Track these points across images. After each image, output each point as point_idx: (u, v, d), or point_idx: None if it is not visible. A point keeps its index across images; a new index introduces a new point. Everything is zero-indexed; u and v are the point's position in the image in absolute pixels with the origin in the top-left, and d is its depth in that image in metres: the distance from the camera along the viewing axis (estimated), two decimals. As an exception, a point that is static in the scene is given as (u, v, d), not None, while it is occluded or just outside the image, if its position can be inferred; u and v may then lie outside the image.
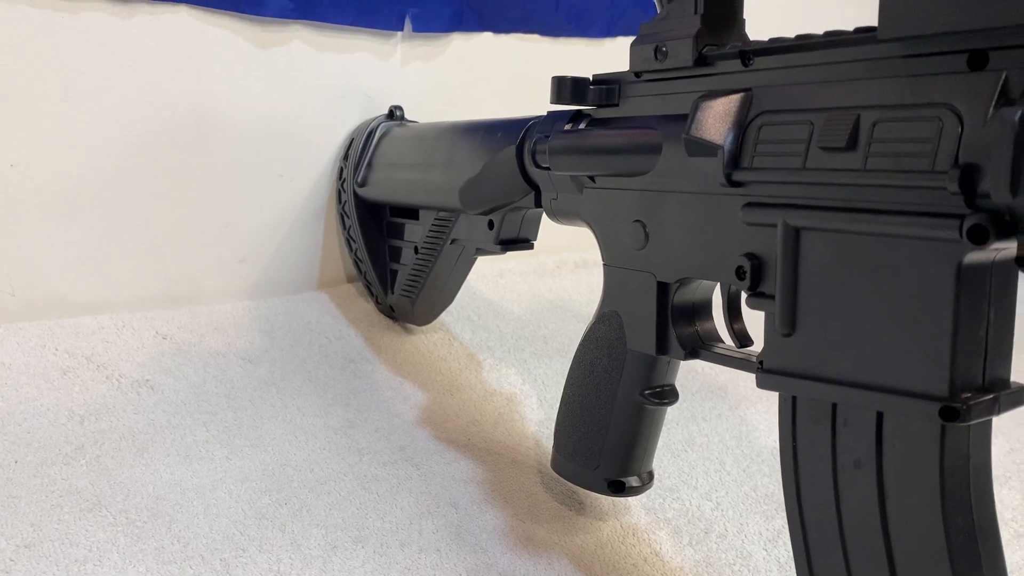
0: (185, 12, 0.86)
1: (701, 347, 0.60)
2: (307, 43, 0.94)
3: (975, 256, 0.41)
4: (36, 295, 0.87)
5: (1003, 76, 0.39)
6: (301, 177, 0.99)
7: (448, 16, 1.02)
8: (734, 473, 0.79)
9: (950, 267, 0.42)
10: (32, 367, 0.81)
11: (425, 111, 1.02)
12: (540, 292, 1.16)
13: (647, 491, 0.69)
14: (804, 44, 0.49)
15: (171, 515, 0.64)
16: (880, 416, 0.46)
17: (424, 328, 0.99)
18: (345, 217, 0.99)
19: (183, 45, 0.87)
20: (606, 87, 0.63)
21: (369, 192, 0.95)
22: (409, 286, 0.92)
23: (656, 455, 0.82)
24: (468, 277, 0.96)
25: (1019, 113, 0.37)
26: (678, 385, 0.66)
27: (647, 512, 0.73)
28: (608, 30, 1.14)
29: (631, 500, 0.74)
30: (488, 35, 1.07)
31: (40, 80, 0.82)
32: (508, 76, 1.09)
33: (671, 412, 0.89)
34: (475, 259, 0.87)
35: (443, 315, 1.00)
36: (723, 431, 0.86)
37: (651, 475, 0.68)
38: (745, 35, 0.57)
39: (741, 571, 0.66)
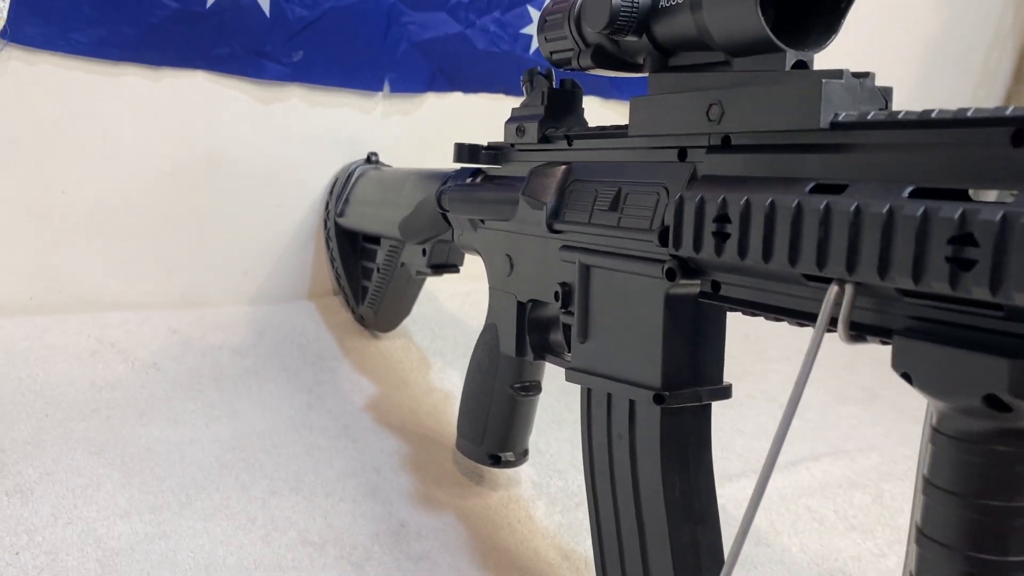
0: (202, 76, 1.08)
1: (548, 351, 0.79)
2: (302, 100, 1.16)
3: (677, 289, 0.59)
4: (78, 293, 1.09)
5: (694, 167, 0.58)
6: (295, 207, 1.20)
7: (423, 79, 1.22)
8: (619, 464, 0.97)
9: (660, 296, 0.59)
10: (70, 348, 1.03)
11: (403, 157, 1.23)
12: (502, 310, 1.35)
13: (523, 464, 0.87)
14: (600, 133, 0.68)
15: (155, 461, 0.85)
16: (632, 402, 0.64)
17: (390, 334, 1.19)
18: (329, 241, 1.20)
19: (200, 101, 1.09)
20: (493, 152, 0.82)
21: (346, 222, 1.16)
22: (373, 299, 1.13)
23: (558, 446, 1.00)
24: (439, 295, 1.14)
25: (679, 195, 0.55)
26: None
27: (534, 486, 0.91)
28: (564, 89, 1.33)
29: (522, 476, 0.92)
30: (458, 94, 1.27)
31: (87, 127, 1.04)
32: (477, 129, 1.28)
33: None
34: (420, 280, 1.08)
35: (410, 325, 1.20)
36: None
37: (526, 452, 0.86)
38: (584, 121, 0.76)
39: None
